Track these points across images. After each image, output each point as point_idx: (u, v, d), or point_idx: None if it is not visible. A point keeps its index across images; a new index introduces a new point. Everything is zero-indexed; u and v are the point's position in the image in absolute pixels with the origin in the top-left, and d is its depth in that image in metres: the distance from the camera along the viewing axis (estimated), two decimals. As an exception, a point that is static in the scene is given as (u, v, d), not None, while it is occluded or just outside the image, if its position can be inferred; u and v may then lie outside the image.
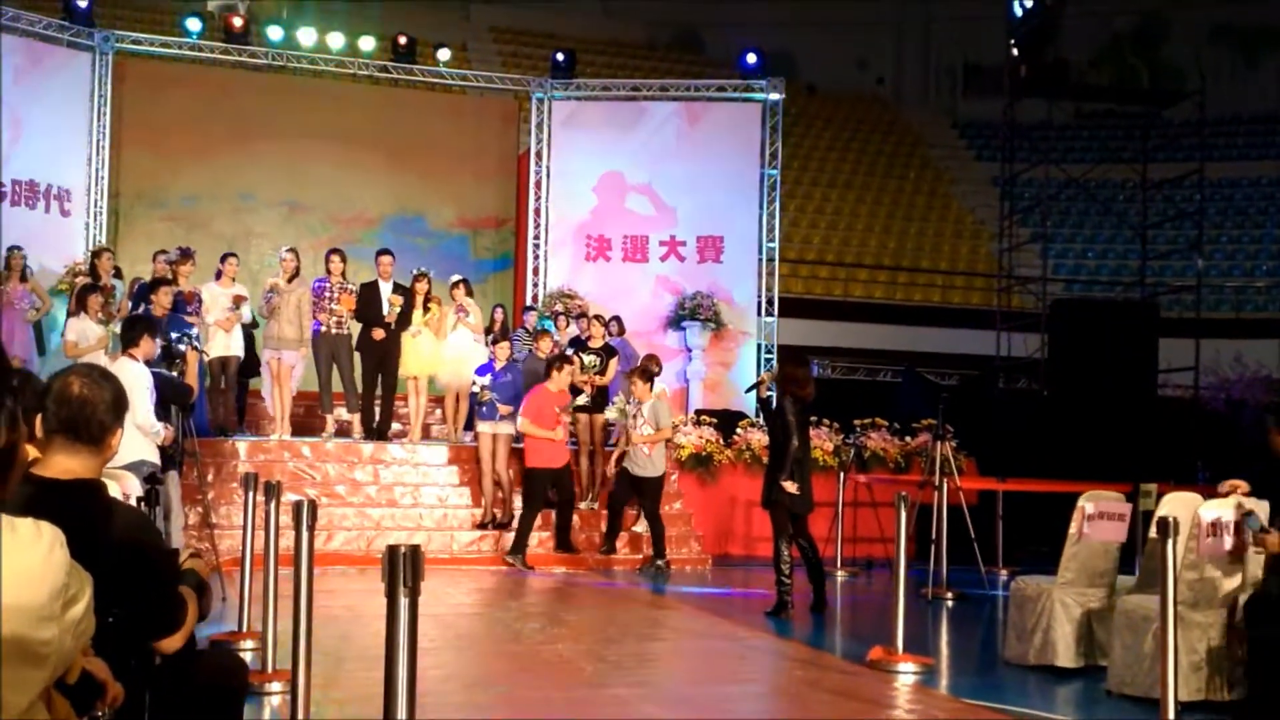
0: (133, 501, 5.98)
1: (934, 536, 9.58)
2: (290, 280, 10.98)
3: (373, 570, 7.86)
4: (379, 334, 11.16)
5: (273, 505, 5.52)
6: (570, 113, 15.33)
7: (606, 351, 11.76)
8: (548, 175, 15.15)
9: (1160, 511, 5.45)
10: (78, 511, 2.55)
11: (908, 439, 12.95)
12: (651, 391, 10.61)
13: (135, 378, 6.72)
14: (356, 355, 11.38)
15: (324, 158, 15.50)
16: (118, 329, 9.55)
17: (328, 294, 11.13)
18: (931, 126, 27.72)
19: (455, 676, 5.94)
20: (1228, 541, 5.27)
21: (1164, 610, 4.83)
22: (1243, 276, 21.44)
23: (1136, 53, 25.51)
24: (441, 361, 11.55)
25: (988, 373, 16.97)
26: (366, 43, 15.52)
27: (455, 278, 12.09)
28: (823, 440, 12.23)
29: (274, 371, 11.01)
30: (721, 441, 12.26)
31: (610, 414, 10.96)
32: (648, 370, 10.76)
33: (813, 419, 11.16)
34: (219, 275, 11.16)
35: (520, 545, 10.16)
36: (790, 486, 7.99)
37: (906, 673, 6.23)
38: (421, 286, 11.42)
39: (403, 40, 15.44)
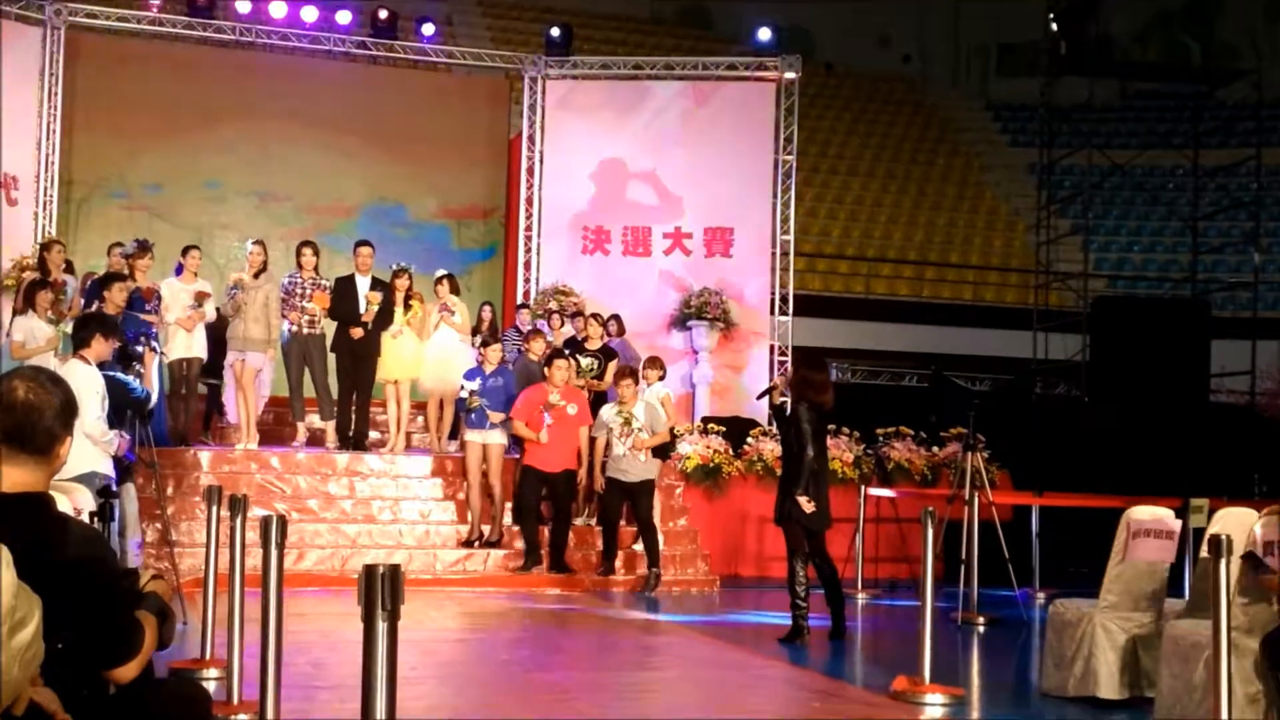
0: (85, 517, 5.99)
1: (964, 556, 9.57)
2: (257, 275, 10.98)
3: (348, 592, 7.85)
4: (356, 334, 11.16)
5: (238, 521, 5.52)
6: (566, 93, 15.34)
7: (605, 354, 11.75)
8: (541, 161, 15.15)
9: (1212, 529, 5.44)
10: (24, 528, 2.55)
11: (935, 449, 12.95)
12: (639, 396, 10.59)
13: (86, 381, 6.72)
14: (331, 357, 11.38)
15: (296, 142, 15.50)
16: (69, 329, 9.55)
17: (299, 290, 11.13)
18: (961, 109, 27.74)
19: (439, 708, 5.93)
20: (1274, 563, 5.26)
21: (1216, 637, 4.82)
22: (1303, 272, 21.44)
23: (1186, 28, 25.55)
24: (424, 364, 11.55)
25: (1023, 377, 16.96)
26: (344, 17, 15.54)
27: (440, 273, 12.10)
28: (842, 450, 12.22)
29: (237, 375, 11.02)
30: (731, 452, 12.25)
31: (597, 433, 10.76)
32: (634, 371, 10.78)
33: (831, 427, 11.18)
34: (180, 270, 11.15)
35: (533, 553, 10.25)
36: (806, 502, 7.99)
37: (934, 705, 6.22)
38: (402, 283, 11.42)
39: (383, 14, 15.46)
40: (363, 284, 11.30)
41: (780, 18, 17.44)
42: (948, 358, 17.75)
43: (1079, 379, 15.97)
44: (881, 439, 12.99)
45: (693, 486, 12.06)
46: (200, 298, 10.94)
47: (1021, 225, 22.55)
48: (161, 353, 9.08)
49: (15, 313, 10.56)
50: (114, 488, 6.79)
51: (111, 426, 7.03)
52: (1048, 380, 17.26)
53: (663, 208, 14.94)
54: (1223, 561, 4.85)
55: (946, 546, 9.98)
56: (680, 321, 14.47)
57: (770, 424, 12.39)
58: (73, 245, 13.34)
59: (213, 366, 11.46)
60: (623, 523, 10.78)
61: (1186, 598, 6.65)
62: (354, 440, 11.38)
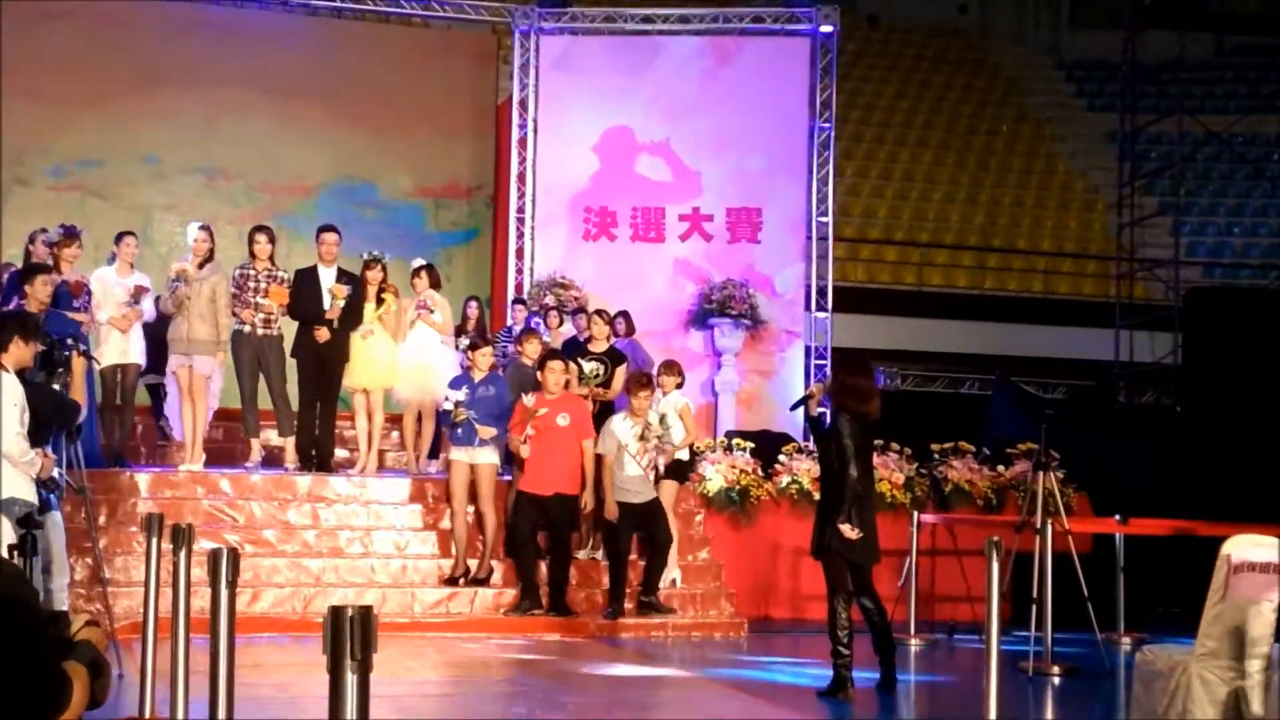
0: (3, 551, 6.00)
1: (1035, 594, 9.55)
2: (202, 265, 10.99)
3: (312, 638, 7.86)
4: (321, 334, 11.18)
5: (183, 555, 5.51)
6: (564, 51, 15.38)
7: (611, 357, 11.75)
8: (535, 131, 15.19)
9: (1330, 561, 5.41)
10: (-70, 562, 2.54)
11: (1000, 468, 12.94)
12: (654, 407, 10.60)
13: (4, 392, 6.73)
14: (290, 362, 11.41)
15: (248, 111, 15.57)
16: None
17: (252, 284, 11.15)
18: (1029, 67, 27.71)
19: (418, 776, 5.93)
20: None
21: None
22: None
23: (1294, -28, 25.50)
24: (399, 370, 11.56)
25: (1104, 383, 16.94)
26: (303, -37, 15.62)
27: (417, 263, 12.11)
28: (891, 470, 12.23)
29: (182, 384, 11.03)
30: (760, 473, 12.25)
31: (604, 449, 10.73)
32: (650, 378, 10.79)
33: (878, 443, 11.16)
34: (113, 260, 11.20)
35: (529, 592, 10.27)
36: (849, 530, 7.98)
37: (1001, 771, 6.20)
38: (374, 275, 11.44)
39: (349, -41, 15.51)
40: (327, 276, 11.31)
41: (816, -39, 17.45)
42: (1015, 360, 17.71)
43: (1170, 385, 15.95)
44: (937, 456, 12.99)
45: (715, 514, 12.05)
46: (138, 292, 10.97)
47: (1101, 204, 22.53)
48: (93, 357, 9.09)
49: (-80, 312, 10.60)
50: (36, 516, 6.80)
51: (34, 445, 7.03)
52: (1133, 387, 17.25)
53: (678, 185, 14.96)
54: (1343, 600, 4.83)
55: (1015, 583, 9.96)
56: (700, 319, 14.49)
57: (806, 439, 12.39)
58: (-14, 232, 13.41)
59: (152, 372, 11.49)
60: (633, 556, 10.78)
61: (1299, 643, 6.63)
62: (318, 460, 11.39)
